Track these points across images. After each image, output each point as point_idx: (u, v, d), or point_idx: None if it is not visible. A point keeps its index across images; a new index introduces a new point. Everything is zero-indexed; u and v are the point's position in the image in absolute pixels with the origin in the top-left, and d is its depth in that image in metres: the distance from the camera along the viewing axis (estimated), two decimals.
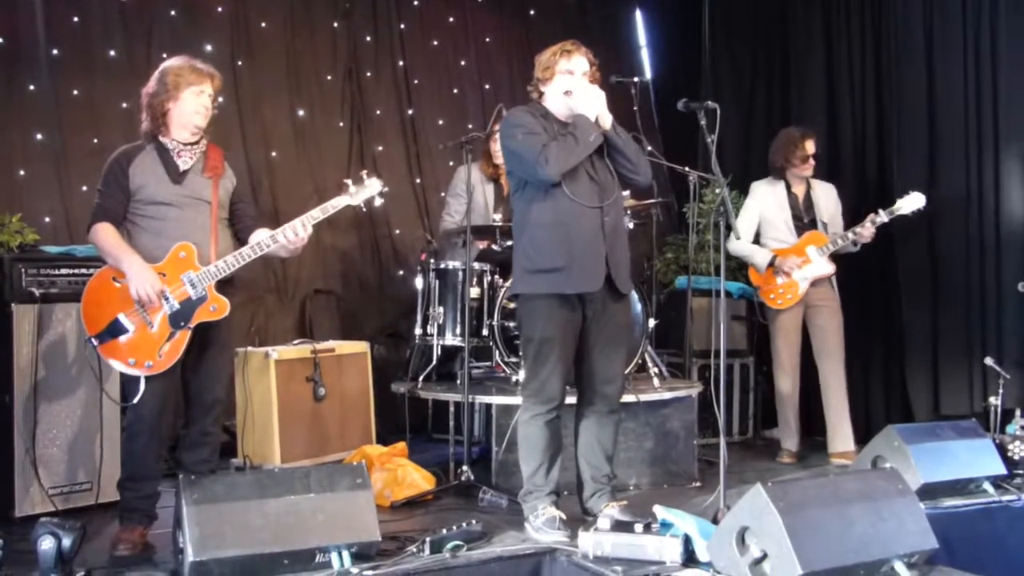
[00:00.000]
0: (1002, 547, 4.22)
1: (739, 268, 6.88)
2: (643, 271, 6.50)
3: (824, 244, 5.67)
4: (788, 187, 5.83)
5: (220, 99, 4.15)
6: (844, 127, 6.72)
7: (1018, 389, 5.53)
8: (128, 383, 3.87)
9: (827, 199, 5.89)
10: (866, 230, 5.58)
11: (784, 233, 5.78)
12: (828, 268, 5.71)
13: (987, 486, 4.45)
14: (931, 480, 4.19)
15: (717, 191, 4.21)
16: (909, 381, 6.24)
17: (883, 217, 5.57)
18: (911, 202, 5.57)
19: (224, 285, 3.93)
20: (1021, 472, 4.71)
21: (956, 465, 4.35)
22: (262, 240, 3.97)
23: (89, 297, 3.83)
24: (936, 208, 5.65)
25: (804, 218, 5.82)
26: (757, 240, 5.88)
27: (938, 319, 6.13)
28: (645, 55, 8.20)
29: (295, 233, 3.96)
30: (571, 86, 4.10)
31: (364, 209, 4.29)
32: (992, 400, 5.34)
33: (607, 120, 4.11)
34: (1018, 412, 5.44)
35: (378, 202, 4.24)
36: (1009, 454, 4.74)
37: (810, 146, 5.78)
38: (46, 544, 3.33)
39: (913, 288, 6.24)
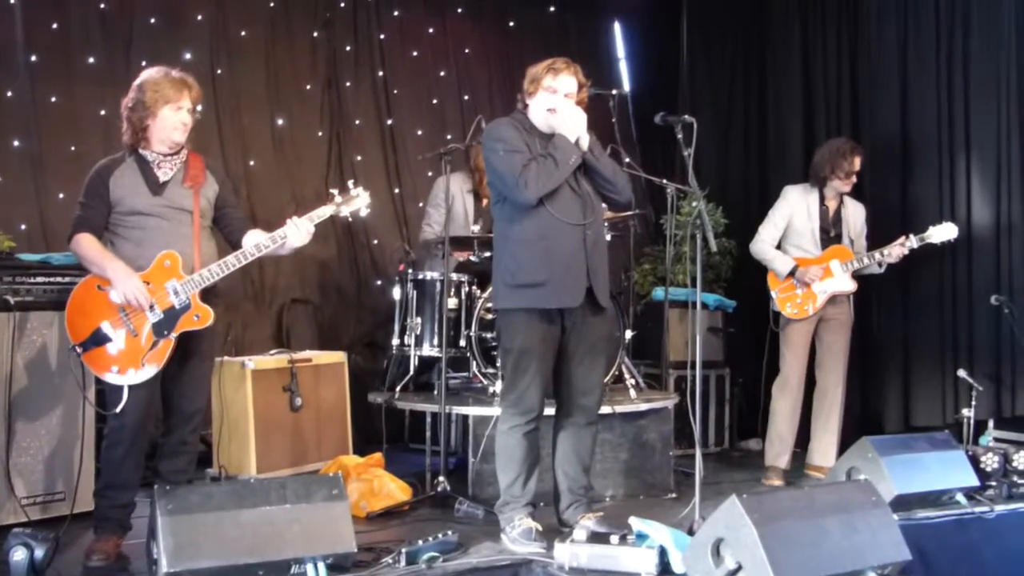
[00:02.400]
0: (975, 558, 4.25)
1: (715, 280, 6.93)
2: (620, 282, 6.52)
3: (849, 260, 5.59)
4: (822, 198, 5.73)
5: (199, 107, 4.14)
6: (820, 141, 6.75)
7: (990, 401, 5.58)
8: (109, 392, 3.85)
9: (856, 217, 5.79)
10: (895, 251, 5.51)
11: (808, 243, 5.67)
12: (849, 285, 5.62)
13: (960, 497, 4.48)
14: (905, 492, 4.22)
15: (694, 204, 4.24)
16: (882, 393, 6.29)
17: (912, 243, 5.50)
18: (943, 232, 5.50)
19: (207, 294, 3.93)
20: (993, 484, 4.74)
21: (929, 477, 4.38)
22: (260, 242, 3.97)
23: (74, 305, 3.82)
24: (910, 223, 5.69)
25: (831, 231, 5.70)
26: (780, 245, 5.78)
27: (910, 331, 6.19)
28: (624, 67, 8.24)
29: (297, 231, 3.98)
30: (553, 104, 4.12)
31: (350, 219, 4.30)
32: (965, 412, 5.37)
33: (585, 142, 4.13)
34: (990, 424, 5.50)
35: (364, 213, 4.25)
36: (982, 466, 4.76)
37: (857, 162, 5.64)
38: (18, 555, 3.31)
39: (886, 301, 6.30)
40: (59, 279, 4.46)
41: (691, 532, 3.72)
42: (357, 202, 4.19)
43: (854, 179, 5.68)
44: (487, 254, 5.33)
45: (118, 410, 3.78)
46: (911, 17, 6.21)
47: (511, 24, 7.75)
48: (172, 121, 3.93)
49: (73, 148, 5.62)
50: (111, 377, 3.78)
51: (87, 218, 3.89)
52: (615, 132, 5.28)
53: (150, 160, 3.96)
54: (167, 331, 3.82)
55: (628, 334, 5.56)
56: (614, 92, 5.32)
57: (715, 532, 3.23)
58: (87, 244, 3.84)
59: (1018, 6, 5.54)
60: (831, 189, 5.70)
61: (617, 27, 8.26)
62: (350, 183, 4.26)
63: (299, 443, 5.36)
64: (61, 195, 5.50)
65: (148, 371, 3.79)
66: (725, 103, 7.70)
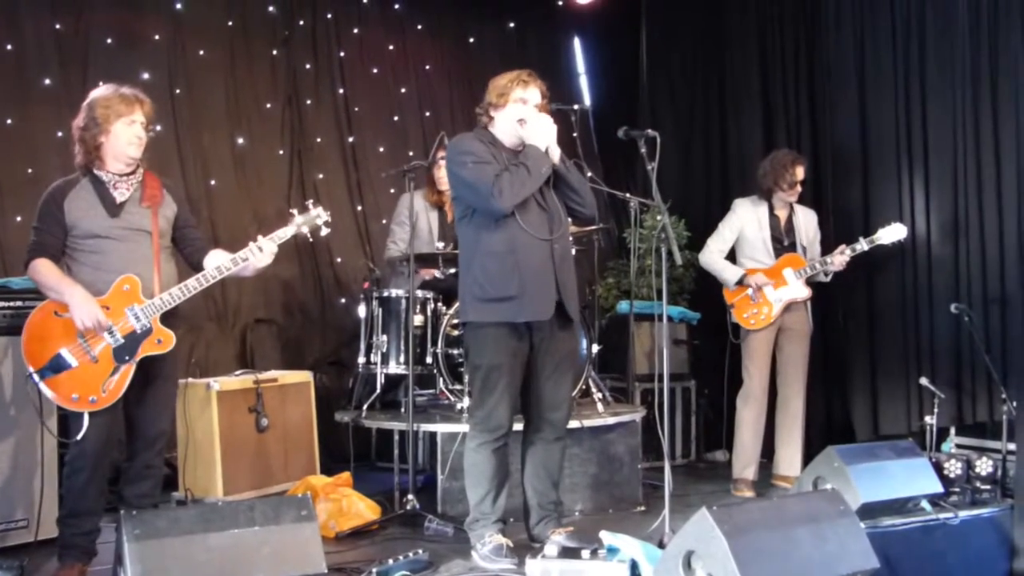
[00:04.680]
0: (941, 564, 4.29)
1: (679, 292, 6.97)
2: (585, 296, 6.54)
3: (802, 267, 5.65)
4: (771, 209, 5.79)
5: (159, 127, 4.11)
6: None
7: (952, 408, 5.64)
8: (69, 418, 3.79)
9: (808, 224, 5.86)
10: (837, 259, 5.58)
11: (762, 254, 5.72)
12: (804, 292, 5.67)
13: (925, 504, 4.53)
14: (871, 500, 4.25)
15: (659, 218, 4.26)
16: (847, 402, 6.35)
17: (863, 245, 5.58)
18: (892, 232, 5.60)
19: (168, 317, 3.88)
20: (957, 490, 4.81)
21: (894, 484, 4.41)
22: (221, 264, 3.94)
23: (31, 332, 3.75)
24: (870, 230, 5.76)
25: (784, 240, 5.76)
26: (732, 258, 5.83)
27: (873, 340, 6.24)
28: (583, 82, 8.29)
29: (260, 253, 3.97)
30: (524, 115, 4.14)
31: (311, 239, 4.28)
32: (928, 419, 5.43)
33: (556, 152, 4.15)
34: (952, 430, 5.56)
35: (324, 231, 4.23)
36: (945, 472, 4.83)
37: (800, 172, 5.71)
38: None
39: (849, 310, 6.36)
40: (19, 304, 4.38)
41: (662, 545, 3.73)
42: (317, 220, 4.19)
43: (799, 188, 5.76)
44: (452, 271, 5.32)
45: (79, 437, 3.72)
46: (868, 28, 6.29)
47: (471, 40, 7.78)
48: (126, 136, 3.89)
49: (30, 171, 5.55)
50: (71, 404, 3.72)
51: (43, 243, 3.83)
52: (577, 147, 5.30)
53: (106, 180, 3.91)
54: (128, 356, 3.77)
55: (595, 348, 5.57)
56: (576, 107, 5.34)
57: (686, 544, 3.23)
58: (44, 270, 3.79)
59: (971, 17, 5.63)
60: (778, 200, 5.78)
61: (576, 42, 8.31)
62: (309, 202, 4.24)
63: (266, 464, 5.31)
64: (19, 218, 5.42)
65: (109, 397, 3.74)
66: (685, 116, 7.76)
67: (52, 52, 5.80)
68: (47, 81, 5.75)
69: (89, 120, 3.88)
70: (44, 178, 4.05)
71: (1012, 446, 4.84)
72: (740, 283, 5.67)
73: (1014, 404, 4.93)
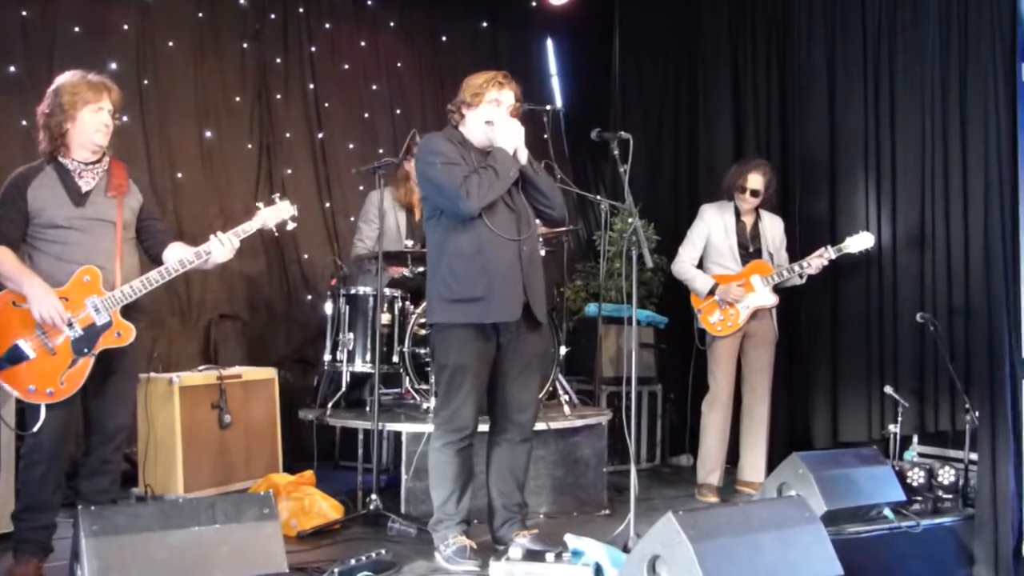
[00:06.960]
0: (903, 572, 4.33)
1: (647, 296, 6.98)
2: (553, 298, 6.53)
3: (769, 274, 5.66)
4: (738, 214, 5.80)
5: (125, 118, 4.04)
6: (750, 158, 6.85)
7: (915, 417, 5.68)
8: (27, 410, 3.73)
9: (774, 231, 5.87)
10: (815, 262, 5.60)
11: (728, 260, 5.73)
12: (771, 299, 5.69)
13: (887, 512, 4.56)
14: (834, 507, 4.27)
15: (630, 220, 4.25)
16: (810, 409, 6.38)
17: (831, 254, 5.60)
18: (859, 241, 5.63)
19: (129, 310, 3.82)
20: (919, 498, 4.85)
21: (858, 492, 4.45)
22: (184, 257, 3.88)
23: None
24: (837, 237, 5.80)
25: (750, 247, 5.76)
26: (701, 263, 5.83)
27: (838, 348, 6.27)
28: (556, 83, 8.29)
29: (222, 247, 3.91)
30: (494, 117, 4.11)
31: (276, 233, 4.23)
32: (891, 428, 5.47)
33: (523, 155, 4.14)
34: (915, 439, 5.60)
35: (290, 226, 4.19)
36: (908, 481, 4.87)
37: (752, 180, 5.69)
38: None
39: (814, 318, 6.38)
40: None
41: (626, 549, 3.72)
42: (282, 214, 4.14)
43: (753, 197, 5.74)
44: (420, 269, 5.29)
45: (35, 429, 3.66)
46: (839, 36, 6.32)
47: (443, 39, 7.75)
48: (93, 123, 3.82)
49: None
50: (28, 396, 3.65)
51: (2, 231, 3.75)
52: (548, 148, 5.29)
53: (71, 169, 3.84)
54: (87, 349, 3.71)
55: (562, 350, 5.56)
56: (548, 108, 5.33)
57: (651, 549, 3.23)
58: (2, 258, 3.71)
59: (941, 28, 5.67)
60: (741, 204, 5.80)
61: (549, 43, 8.31)
62: (276, 196, 4.19)
63: (228, 461, 5.26)
64: None
65: (67, 390, 3.68)
66: (656, 120, 7.78)
67: (18, 39, 5.71)
68: (12, 68, 5.65)
69: (55, 106, 3.81)
70: (8, 167, 3.96)
71: (974, 456, 4.89)
72: (711, 293, 5.67)
73: (976, 414, 4.97)
